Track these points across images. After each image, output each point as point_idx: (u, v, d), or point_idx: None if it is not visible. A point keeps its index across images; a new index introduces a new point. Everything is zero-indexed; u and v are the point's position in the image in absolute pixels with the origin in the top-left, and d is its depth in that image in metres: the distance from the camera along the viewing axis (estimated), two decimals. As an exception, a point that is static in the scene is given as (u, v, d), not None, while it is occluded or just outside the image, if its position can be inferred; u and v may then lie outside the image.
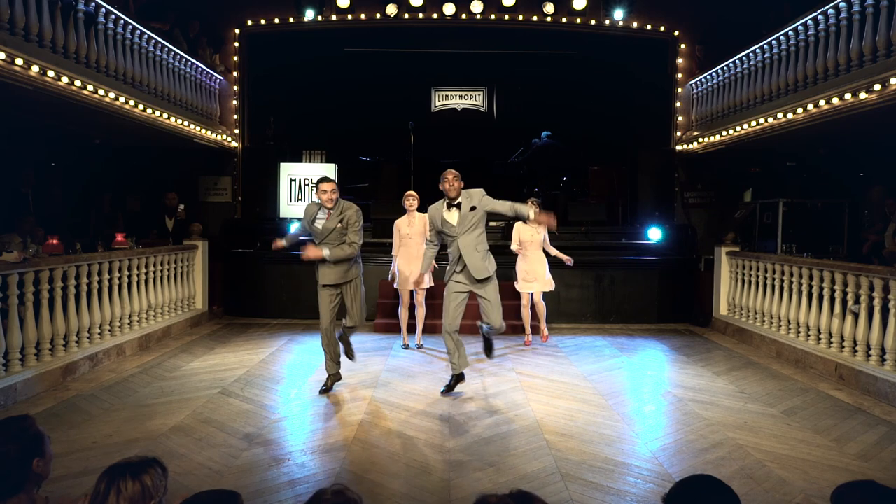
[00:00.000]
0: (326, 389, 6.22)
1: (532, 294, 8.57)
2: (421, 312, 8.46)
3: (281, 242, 6.19)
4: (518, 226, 8.42)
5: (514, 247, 8.47)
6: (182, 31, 10.48)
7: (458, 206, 5.92)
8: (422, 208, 8.42)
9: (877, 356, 6.53)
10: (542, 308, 8.67)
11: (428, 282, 8.21)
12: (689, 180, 11.82)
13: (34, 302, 6.23)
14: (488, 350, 6.49)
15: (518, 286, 8.56)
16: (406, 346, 8.34)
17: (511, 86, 13.76)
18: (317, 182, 6.20)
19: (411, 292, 8.35)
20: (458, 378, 6.19)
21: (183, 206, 10.67)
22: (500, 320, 6.02)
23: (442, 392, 6.21)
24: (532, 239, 8.39)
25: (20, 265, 6.02)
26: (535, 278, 8.41)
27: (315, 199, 6.20)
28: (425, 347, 8.36)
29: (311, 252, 5.87)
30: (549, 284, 8.51)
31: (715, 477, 2.17)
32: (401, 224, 8.32)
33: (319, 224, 5.98)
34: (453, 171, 5.98)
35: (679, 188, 11.84)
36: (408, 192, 8.47)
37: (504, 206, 5.93)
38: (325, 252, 5.84)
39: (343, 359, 6.39)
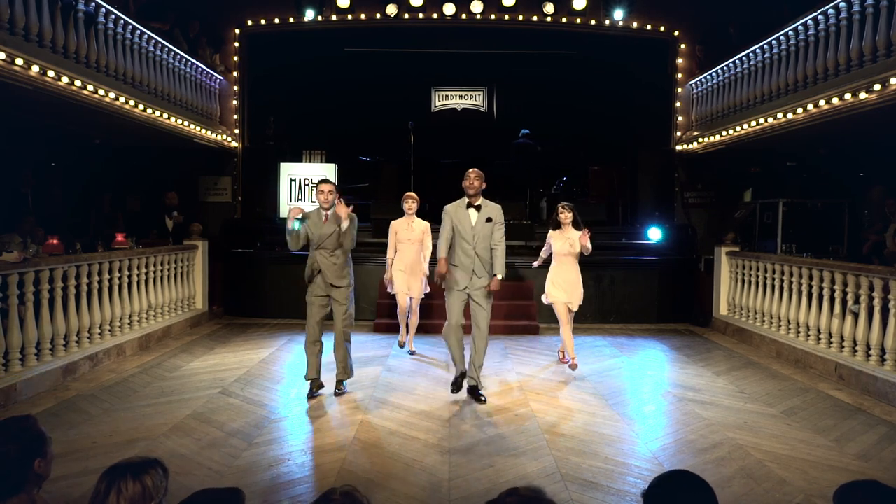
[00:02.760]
0: (313, 395, 6.04)
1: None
2: (414, 319, 8.09)
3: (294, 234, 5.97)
4: (552, 234, 7.39)
5: (542, 256, 7.59)
6: (182, 31, 10.47)
7: (478, 208, 5.97)
8: (420, 211, 8.14)
9: (877, 356, 6.54)
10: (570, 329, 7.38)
11: (425, 288, 7.98)
12: (689, 180, 11.82)
13: (34, 302, 6.23)
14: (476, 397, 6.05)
15: (546, 295, 7.40)
16: (402, 345, 8.14)
17: (511, 86, 13.75)
18: (317, 182, 6.28)
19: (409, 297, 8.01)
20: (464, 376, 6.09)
21: (176, 213, 10.48)
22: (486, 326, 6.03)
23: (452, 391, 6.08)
24: (563, 251, 7.26)
25: (20, 265, 6.02)
26: (567, 288, 7.26)
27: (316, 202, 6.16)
28: (418, 353, 8.01)
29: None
30: (580, 298, 7.41)
31: (691, 472, 2.18)
32: (398, 227, 7.79)
33: (319, 228, 5.96)
34: (476, 170, 6.03)
35: (679, 188, 11.84)
36: (407, 194, 7.97)
37: (499, 239, 5.97)
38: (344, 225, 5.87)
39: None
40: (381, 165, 12.53)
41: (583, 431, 5.22)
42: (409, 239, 7.74)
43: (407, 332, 8.17)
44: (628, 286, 10.46)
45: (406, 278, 7.77)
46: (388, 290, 8.06)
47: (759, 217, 10.36)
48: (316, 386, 6.07)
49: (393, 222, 7.91)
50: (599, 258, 10.43)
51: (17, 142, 9.42)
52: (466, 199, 5.99)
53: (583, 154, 12.55)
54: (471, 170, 6.03)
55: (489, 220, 5.94)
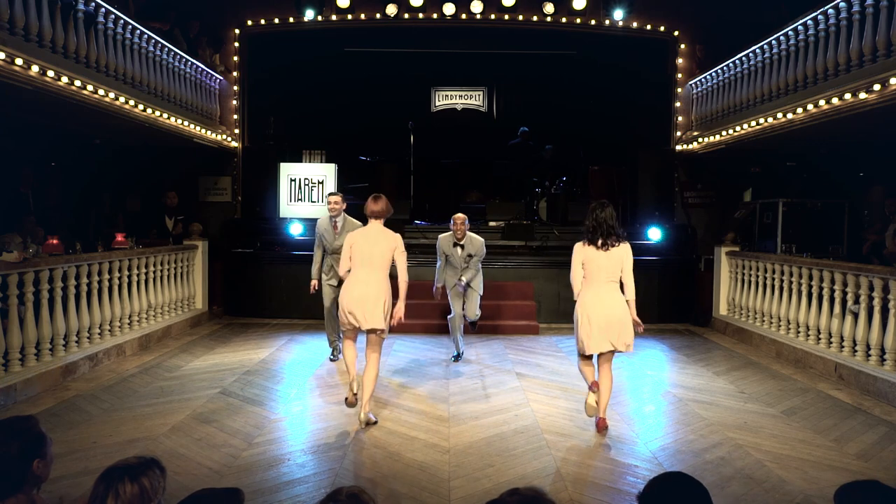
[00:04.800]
0: (335, 358, 7.42)
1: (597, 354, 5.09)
2: (371, 369, 5.21)
3: (315, 282, 7.30)
4: (582, 248, 5.05)
5: (576, 288, 5.11)
6: (182, 31, 10.47)
7: (462, 246, 7.33)
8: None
9: (876, 356, 6.54)
10: (609, 380, 5.11)
11: (383, 323, 5.17)
12: (689, 180, 11.82)
13: (34, 302, 6.22)
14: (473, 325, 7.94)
15: (579, 341, 5.08)
16: (364, 424, 5.19)
17: (511, 86, 13.75)
18: (327, 196, 7.31)
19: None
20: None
21: (176, 218, 10.47)
22: (476, 311, 7.64)
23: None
24: (600, 265, 5.00)
25: (20, 265, 6.02)
26: (606, 326, 4.95)
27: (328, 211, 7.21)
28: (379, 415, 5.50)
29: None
30: (628, 341, 5.01)
31: (687, 474, 2.18)
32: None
33: (332, 238, 7.08)
34: (462, 216, 7.32)
35: (679, 188, 11.83)
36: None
37: (478, 269, 7.55)
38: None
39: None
40: (380, 165, 12.51)
41: (583, 431, 5.22)
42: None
43: (354, 392, 5.21)
44: (628, 286, 10.43)
45: (352, 303, 5.18)
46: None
47: (759, 217, 10.35)
48: (336, 349, 7.39)
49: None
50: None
51: (17, 142, 9.41)
52: (454, 239, 7.32)
53: (583, 154, 12.55)
54: (457, 215, 7.30)
55: (470, 256, 7.35)
